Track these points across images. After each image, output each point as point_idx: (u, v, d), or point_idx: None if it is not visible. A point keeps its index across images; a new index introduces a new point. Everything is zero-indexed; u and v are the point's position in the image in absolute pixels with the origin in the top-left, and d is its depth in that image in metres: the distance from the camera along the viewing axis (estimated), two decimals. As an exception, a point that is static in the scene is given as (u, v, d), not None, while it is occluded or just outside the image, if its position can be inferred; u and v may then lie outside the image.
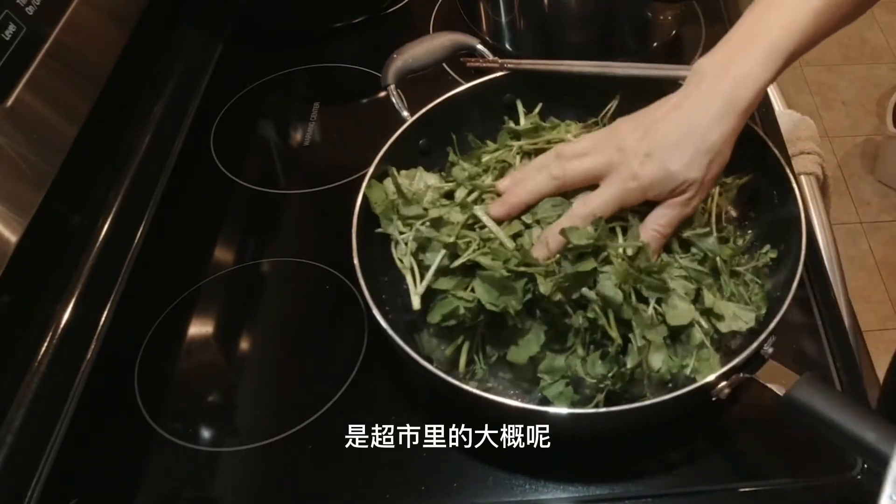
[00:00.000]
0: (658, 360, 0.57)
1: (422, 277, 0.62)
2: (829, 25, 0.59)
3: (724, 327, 0.60)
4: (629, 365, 0.57)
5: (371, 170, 0.67)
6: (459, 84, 0.74)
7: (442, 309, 0.59)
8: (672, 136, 0.58)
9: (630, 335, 0.58)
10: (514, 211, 0.63)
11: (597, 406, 0.57)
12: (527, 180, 0.63)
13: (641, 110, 0.62)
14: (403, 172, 0.69)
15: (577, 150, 0.62)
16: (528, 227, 0.63)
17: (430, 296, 0.62)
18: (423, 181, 0.69)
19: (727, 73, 0.58)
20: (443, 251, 0.61)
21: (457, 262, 0.60)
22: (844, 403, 0.50)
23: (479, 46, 0.76)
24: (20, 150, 0.65)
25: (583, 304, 0.59)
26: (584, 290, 0.58)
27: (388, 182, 0.67)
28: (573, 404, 0.58)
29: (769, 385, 0.53)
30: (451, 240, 0.60)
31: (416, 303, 0.62)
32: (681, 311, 0.59)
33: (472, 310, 0.58)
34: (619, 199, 0.60)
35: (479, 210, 0.63)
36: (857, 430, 0.49)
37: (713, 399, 0.55)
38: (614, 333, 0.57)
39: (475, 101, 0.74)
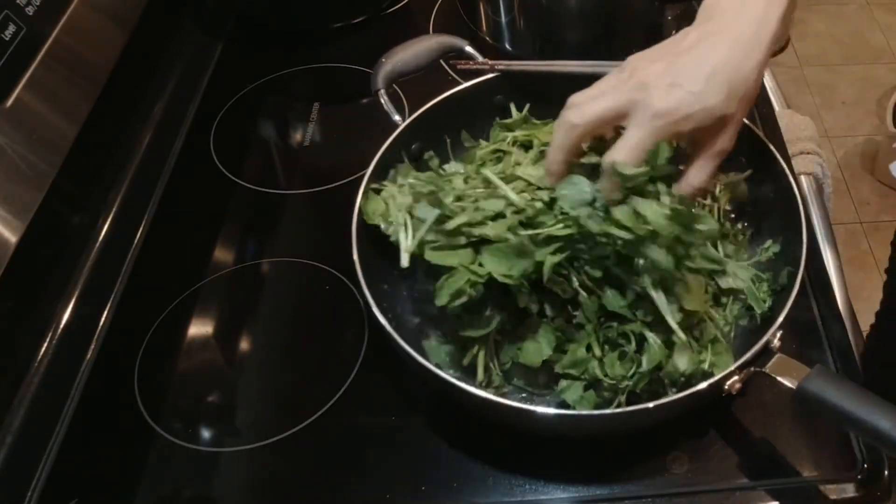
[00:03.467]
0: (684, 362, 0.56)
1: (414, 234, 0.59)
2: None
3: (724, 283, 0.60)
4: (645, 365, 0.56)
5: (366, 179, 0.67)
6: (459, 83, 0.74)
7: (449, 288, 0.55)
8: (705, 67, 0.54)
9: (646, 333, 0.57)
10: (551, 179, 0.59)
11: (618, 407, 0.57)
12: (554, 152, 0.59)
13: (655, 46, 0.58)
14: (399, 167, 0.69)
15: (593, 92, 0.57)
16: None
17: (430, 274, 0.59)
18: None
19: (748, 4, 0.55)
20: (436, 211, 0.58)
21: (453, 223, 0.57)
22: (857, 393, 0.50)
23: (468, 48, 0.76)
24: (20, 150, 0.65)
25: (591, 289, 0.58)
26: (635, 259, 0.55)
27: (385, 194, 0.66)
28: (596, 407, 0.58)
29: (780, 378, 0.53)
30: (449, 200, 0.58)
31: (404, 260, 0.58)
32: (695, 293, 0.57)
33: (479, 286, 0.56)
34: (651, 140, 0.55)
35: (485, 170, 0.62)
36: (872, 419, 0.49)
37: (724, 395, 0.55)
38: (665, 308, 0.55)
39: (467, 104, 0.73)
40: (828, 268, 0.72)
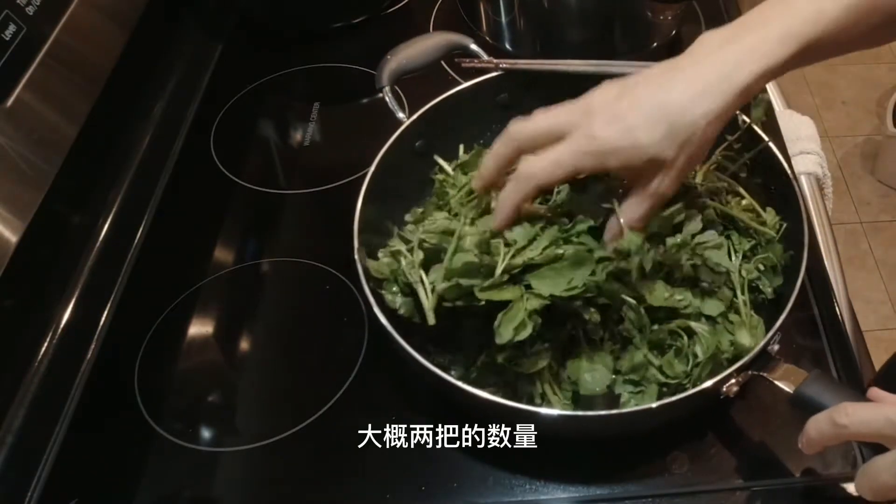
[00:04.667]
0: (746, 338, 0.57)
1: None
2: (859, 30, 0.52)
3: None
4: (701, 355, 0.57)
5: (368, 178, 0.67)
6: (459, 83, 0.74)
7: (510, 323, 0.53)
8: (648, 104, 0.51)
9: (691, 324, 0.58)
10: (477, 183, 0.59)
11: None
12: (488, 159, 0.58)
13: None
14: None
15: (545, 110, 0.56)
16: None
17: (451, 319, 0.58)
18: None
19: (729, 47, 0.51)
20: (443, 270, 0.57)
21: (499, 269, 0.55)
22: (854, 399, 0.50)
23: (474, 46, 0.76)
24: (20, 150, 0.65)
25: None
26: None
27: (392, 251, 0.64)
28: None
29: (778, 382, 0.53)
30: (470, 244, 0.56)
31: (430, 318, 0.56)
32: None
33: (536, 316, 0.54)
34: (570, 161, 0.53)
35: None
36: None
37: (721, 397, 0.55)
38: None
39: (470, 102, 0.73)
40: (828, 268, 0.72)
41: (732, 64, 0.51)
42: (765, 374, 0.54)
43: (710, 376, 0.56)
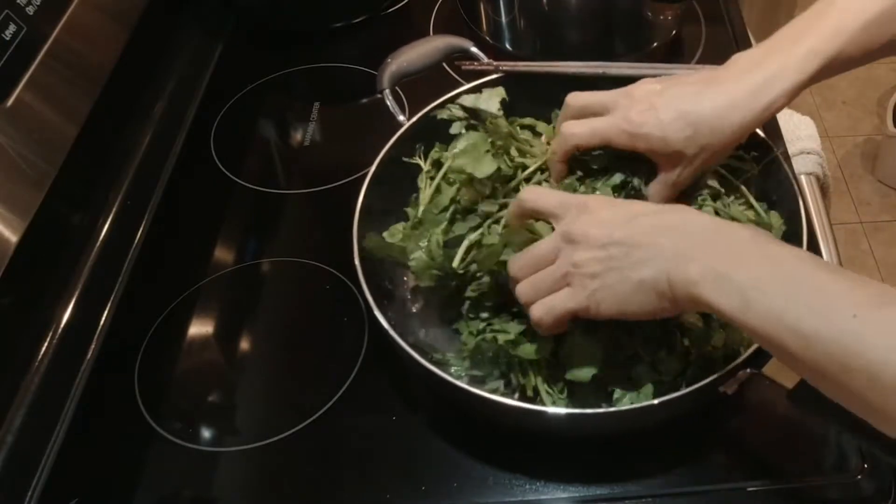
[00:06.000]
0: (741, 333, 0.57)
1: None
2: (878, 44, 0.57)
3: None
4: (695, 351, 0.57)
5: (369, 178, 0.67)
6: (460, 84, 0.74)
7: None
8: (684, 105, 0.58)
9: (684, 319, 0.58)
10: (561, 156, 0.65)
11: None
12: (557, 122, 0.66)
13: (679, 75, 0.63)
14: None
15: (594, 91, 0.64)
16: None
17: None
18: None
19: (759, 67, 0.57)
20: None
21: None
22: None
23: (474, 49, 0.76)
24: (20, 150, 0.65)
25: None
26: None
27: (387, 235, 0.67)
28: None
29: (776, 380, 0.53)
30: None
31: (456, 261, 0.62)
32: None
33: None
34: (604, 132, 0.61)
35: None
36: (864, 423, 0.49)
37: (720, 394, 0.55)
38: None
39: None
40: (828, 268, 0.72)
41: (761, 83, 0.57)
42: (763, 372, 0.54)
43: (704, 374, 0.56)
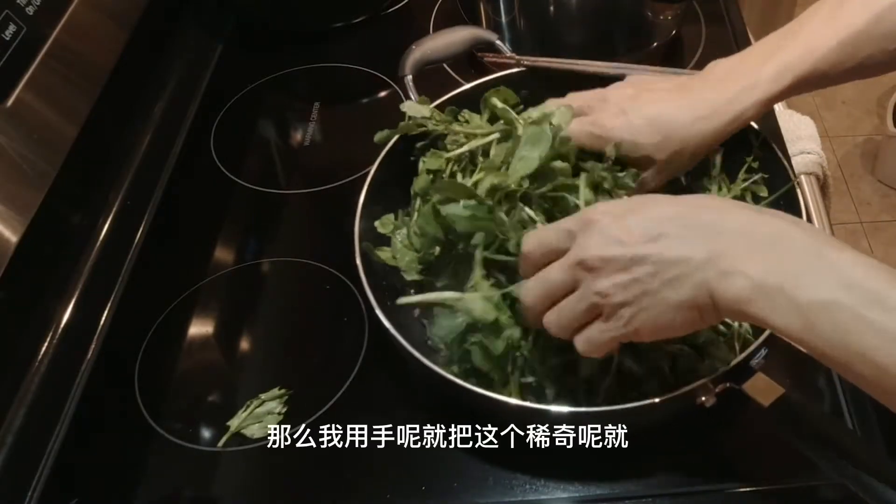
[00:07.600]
0: (725, 350, 0.59)
1: None
2: (851, 64, 0.56)
3: None
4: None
5: (371, 174, 0.67)
6: (461, 84, 0.74)
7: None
8: (654, 112, 0.59)
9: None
10: None
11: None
12: None
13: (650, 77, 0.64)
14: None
15: (572, 93, 0.65)
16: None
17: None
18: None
19: (732, 78, 0.58)
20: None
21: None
22: (823, 423, 0.51)
23: (498, 42, 0.78)
24: (20, 150, 0.65)
25: None
26: None
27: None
28: None
29: (753, 397, 0.53)
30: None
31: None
32: None
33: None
34: (576, 135, 0.62)
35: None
36: (835, 451, 0.48)
37: (698, 406, 0.54)
38: None
39: (476, 101, 0.73)
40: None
41: (733, 94, 0.58)
42: (742, 388, 0.53)
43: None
